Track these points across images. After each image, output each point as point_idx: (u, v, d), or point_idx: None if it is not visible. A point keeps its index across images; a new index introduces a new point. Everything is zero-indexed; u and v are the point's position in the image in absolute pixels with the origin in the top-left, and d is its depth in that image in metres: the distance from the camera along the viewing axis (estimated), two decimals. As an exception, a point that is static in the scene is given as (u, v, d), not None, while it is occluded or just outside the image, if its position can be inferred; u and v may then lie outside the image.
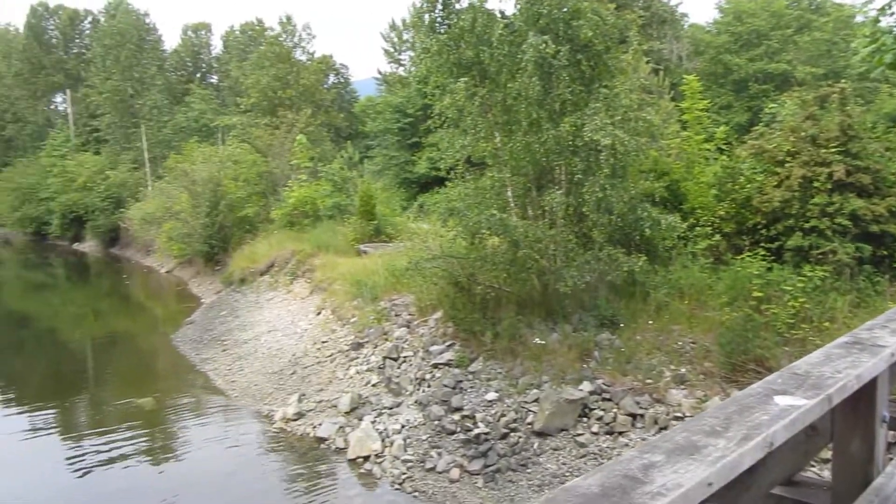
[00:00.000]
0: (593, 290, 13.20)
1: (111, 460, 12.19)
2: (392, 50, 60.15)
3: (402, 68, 59.91)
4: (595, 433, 10.99)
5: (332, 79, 60.12)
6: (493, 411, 11.68)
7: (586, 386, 11.53)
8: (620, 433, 10.90)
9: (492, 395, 11.98)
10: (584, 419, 11.25)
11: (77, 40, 73.40)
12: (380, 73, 59.89)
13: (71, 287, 39.35)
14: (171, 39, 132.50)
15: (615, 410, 11.18)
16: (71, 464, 12.07)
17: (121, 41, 58.25)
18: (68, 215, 53.21)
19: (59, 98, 75.41)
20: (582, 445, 10.82)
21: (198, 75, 73.54)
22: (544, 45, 11.69)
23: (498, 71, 12.76)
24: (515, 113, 12.94)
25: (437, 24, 13.37)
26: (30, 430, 14.21)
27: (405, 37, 59.16)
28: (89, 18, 73.49)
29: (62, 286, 39.68)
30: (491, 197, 13.53)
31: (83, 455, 12.51)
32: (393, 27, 59.58)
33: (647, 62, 23.79)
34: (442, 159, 33.86)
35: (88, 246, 53.11)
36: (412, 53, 59.15)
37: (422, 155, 37.08)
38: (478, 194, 13.72)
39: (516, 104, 12.79)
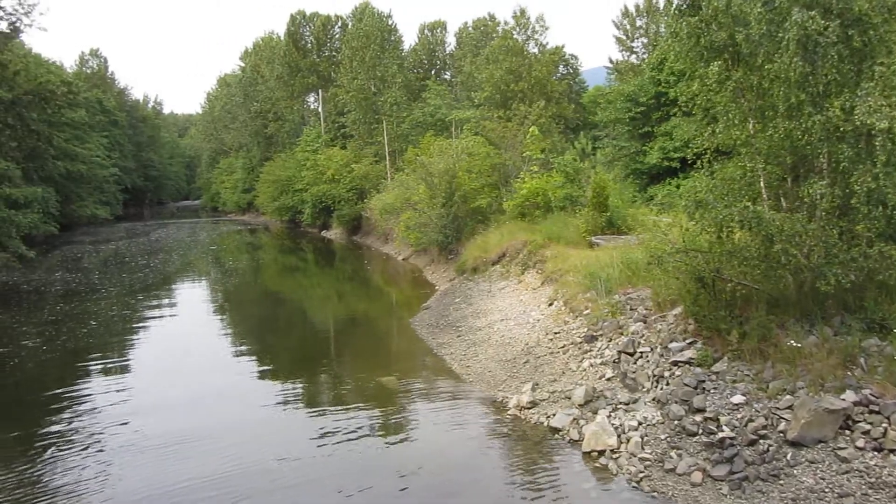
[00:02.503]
0: (859, 291, 11.90)
1: (354, 435, 13.07)
2: (624, 37, 58.67)
3: (634, 56, 58.28)
4: (860, 448, 9.91)
5: (561, 69, 59.96)
6: (739, 415, 10.96)
7: (850, 395, 10.42)
8: (892, 451, 9.74)
9: (738, 398, 11.25)
10: (847, 432, 10.18)
11: (328, 44, 79.88)
12: (611, 61, 58.72)
13: (318, 271, 43.01)
14: (409, 38, 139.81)
15: (885, 425, 9.99)
16: (317, 437, 13.07)
17: (366, 43, 62.47)
18: (318, 205, 58.23)
19: (311, 98, 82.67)
20: (844, 461, 9.81)
21: (433, 72, 76.88)
22: (811, 20, 10.69)
23: (753, 52, 11.87)
24: (772, 97, 11.97)
25: (686, 8, 12.75)
26: (282, 402, 15.69)
27: (638, 23, 57.43)
28: (339, 23, 79.61)
29: (311, 270, 43.49)
30: (741, 188, 12.67)
31: (328, 428, 13.55)
32: (626, 14, 58.10)
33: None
34: (676, 149, 32.96)
35: (334, 233, 57.72)
36: (645, 40, 57.34)
37: (654, 145, 35.83)
38: (725, 185, 12.92)
39: (773, 87, 11.83)
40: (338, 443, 12.65)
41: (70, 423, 14.17)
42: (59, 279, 35.55)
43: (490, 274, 25.11)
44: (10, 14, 44.21)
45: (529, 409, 13.55)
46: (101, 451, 12.51)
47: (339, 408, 14.91)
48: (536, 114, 38.32)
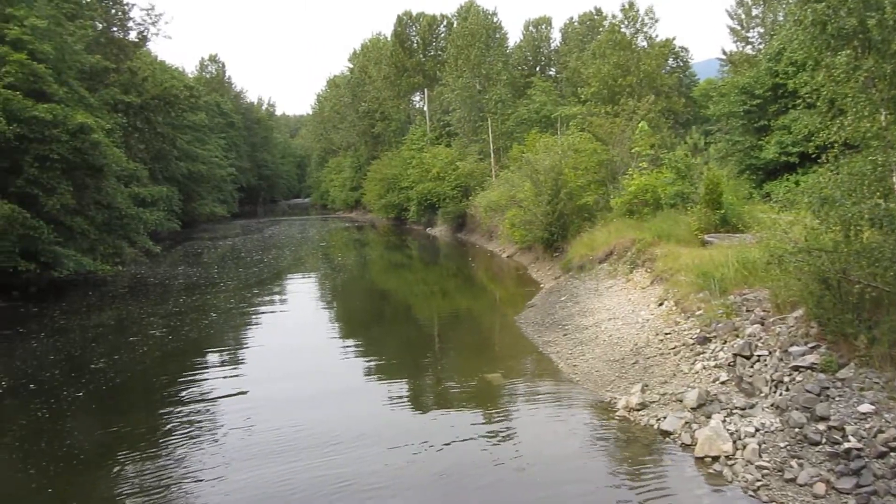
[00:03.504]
0: None
1: (462, 431, 13.15)
2: (739, 27, 56.39)
3: (749, 46, 55.96)
4: None
5: (671, 62, 58.24)
6: (867, 425, 10.32)
7: None
8: None
9: (866, 407, 10.59)
10: None
11: (434, 43, 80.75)
12: (724, 52, 56.58)
13: (423, 267, 43.55)
14: (513, 35, 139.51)
15: None
16: (424, 434, 13.20)
17: (471, 41, 62.75)
18: (423, 202, 58.99)
19: (417, 97, 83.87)
20: None
21: (538, 68, 76.33)
22: (955, 2, 9.94)
23: (886, 39, 11.12)
24: (906, 87, 11.20)
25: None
26: (388, 396, 15.94)
27: (755, 12, 55.09)
28: (444, 23, 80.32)
29: (416, 266, 44.10)
30: (870, 183, 11.89)
31: (435, 427, 13.70)
32: (741, 3, 55.81)
33: None
34: (795, 143, 31.35)
35: (439, 230, 58.30)
36: (761, 30, 54.90)
37: (770, 139, 34.25)
38: (853, 181, 12.16)
39: (909, 76, 11.06)
40: (448, 441, 12.71)
41: (189, 412, 14.95)
42: (182, 273, 37.56)
43: (597, 272, 24.71)
44: (139, 24, 47.12)
45: (639, 410, 13.26)
46: (215, 441, 13.08)
47: (445, 404, 15.06)
48: (645, 108, 37.36)
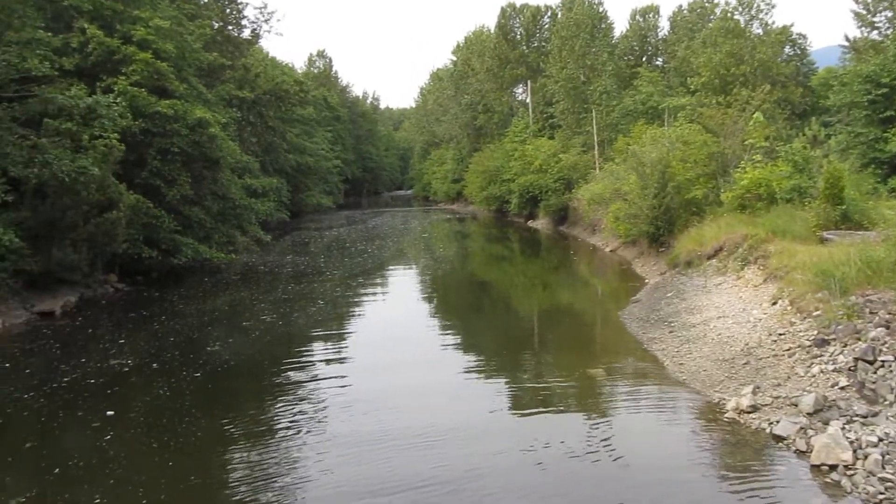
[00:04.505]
0: None
1: (563, 428, 13.03)
2: (864, 12, 53.06)
3: (875, 31, 52.59)
4: None
5: (788, 50, 55.50)
6: None
7: None
8: None
9: None
10: None
11: (537, 34, 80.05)
12: (847, 39, 53.38)
13: (524, 259, 43.39)
14: (619, 25, 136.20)
15: None
16: (526, 429, 13.20)
17: (576, 32, 61.82)
18: (525, 195, 58.74)
19: (520, 89, 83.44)
20: None
21: (644, 59, 74.34)
22: None
23: None
24: None
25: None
26: (488, 392, 15.95)
27: (883, -5, 51.71)
28: (548, 13, 79.46)
29: (516, 258, 43.99)
30: None
31: (538, 420, 13.64)
32: (868, -14, 52.50)
33: None
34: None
35: (540, 223, 57.94)
36: (889, 13, 51.47)
37: (896, 131, 32.14)
38: None
39: None
40: (548, 442, 12.60)
41: (295, 396, 15.50)
42: (290, 262, 38.93)
43: (705, 268, 23.92)
44: (253, 22, 49.02)
45: (749, 413, 12.76)
46: (319, 425, 13.46)
47: (546, 399, 14.91)
48: (760, 99, 35.69)
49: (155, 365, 17.85)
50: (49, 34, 26.53)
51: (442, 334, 22.30)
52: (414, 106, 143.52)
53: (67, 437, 13.16)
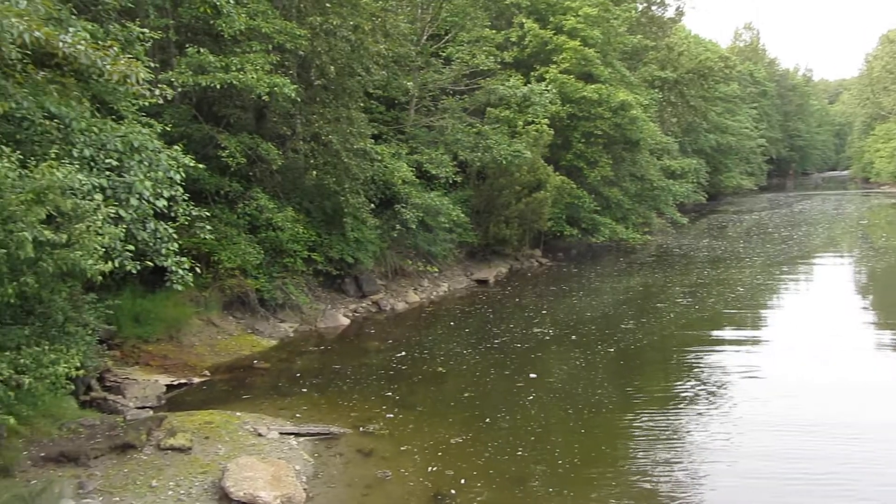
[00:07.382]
0: None
1: None
2: None
3: None
4: None
5: None
6: None
7: None
8: None
9: None
10: None
11: None
12: None
13: None
14: None
15: None
16: None
17: None
18: None
19: None
20: None
21: None
22: None
23: None
24: None
25: None
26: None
27: None
28: None
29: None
30: None
31: None
32: None
33: None
34: None
35: None
36: None
37: None
38: None
39: None
40: None
41: (702, 379, 15.14)
42: (706, 245, 37.76)
43: None
44: (677, 0, 48.26)
45: None
46: (724, 408, 13.10)
47: None
48: None
49: (574, 337, 18.96)
50: (493, 31, 29.66)
51: (876, 336, 19.41)
52: (856, 76, 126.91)
53: (496, 392, 14.74)
